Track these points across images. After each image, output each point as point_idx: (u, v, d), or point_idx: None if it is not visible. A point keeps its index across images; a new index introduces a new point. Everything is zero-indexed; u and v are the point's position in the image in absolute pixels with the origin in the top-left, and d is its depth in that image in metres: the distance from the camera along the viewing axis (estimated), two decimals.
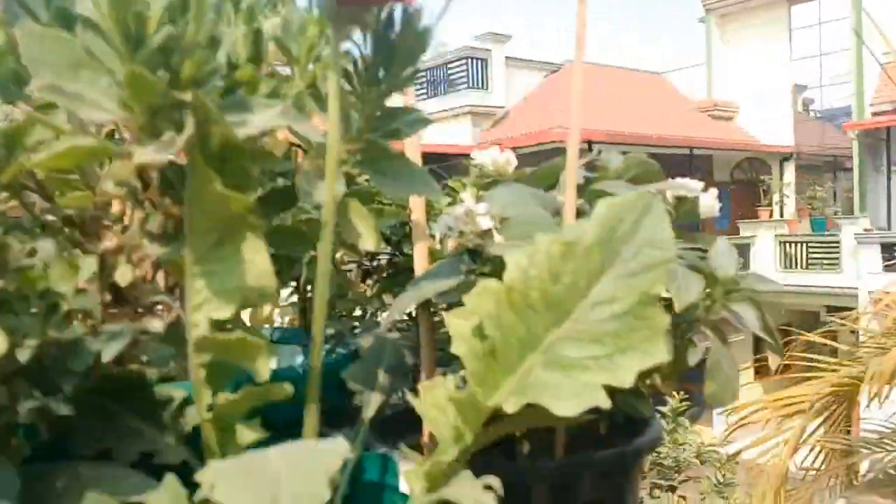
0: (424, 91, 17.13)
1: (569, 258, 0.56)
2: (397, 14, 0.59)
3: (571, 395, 0.54)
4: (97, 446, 0.62)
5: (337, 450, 0.47)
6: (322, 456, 0.46)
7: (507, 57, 16.86)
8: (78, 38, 0.46)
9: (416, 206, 0.79)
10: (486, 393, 0.58)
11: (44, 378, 0.49)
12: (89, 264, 0.48)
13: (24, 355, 0.45)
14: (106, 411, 0.65)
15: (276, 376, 0.65)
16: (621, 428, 0.81)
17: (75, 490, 0.55)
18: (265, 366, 0.55)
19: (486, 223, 0.68)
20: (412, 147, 0.77)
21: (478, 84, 16.56)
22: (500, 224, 0.71)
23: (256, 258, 0.52)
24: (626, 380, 0.54)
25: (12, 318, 0.45)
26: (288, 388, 0.57)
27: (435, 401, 0.58)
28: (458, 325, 0.59)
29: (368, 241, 0.67)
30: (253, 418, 0.63)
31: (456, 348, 0.59)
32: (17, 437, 0.52)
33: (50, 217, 0.57)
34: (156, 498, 0.53)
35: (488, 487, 0.57)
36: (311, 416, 0.61)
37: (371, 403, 0.79)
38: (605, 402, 0.53)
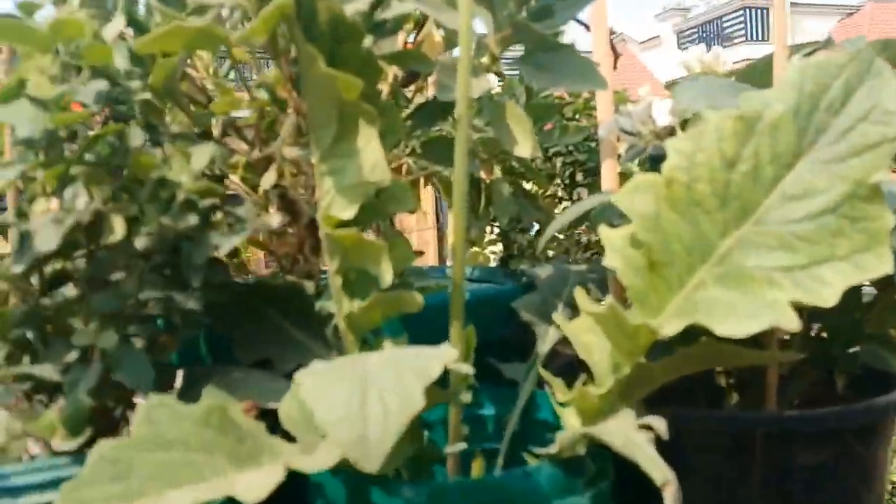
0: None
1: (748, 137, 0.43)
2: None
3: (747, 314, 0.42)
4: (259, 355, 0.63)
5: (439, 356, 0.41)
6: (422, 361, 0.40)
7: (792, 3, 15.12)
8: None
9: (604, 108, 0.68)
10: (647, 314, 0.48)
11: (175, 273, 0.49)
12: (202, 153, 0.47)
13: (140, 242, 0.45)
14: (269, 321, 0.66)
15: (427, 297, 0.61)
16: (866, 386, 0.64)
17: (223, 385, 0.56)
18: (388, 270, 0.50)
19: (663, 119, 0.56)
20: (599, 32, 0.67)
21: (757, 36, 15.10)
22: (684, 125, 0.58)
23: (368, 149, 0.48)
24: (828, 298, 0.41)
25: (129, 205, 0.45)
26: (418, 298, 0.52)
27: (586, 323, 0.49)
28: (610, 234, 0.49)
29: (525, 146, 0.59)
30: (399, 333, 0.59)
31: (610, 260, 0.49)
32: (169, 336, 0.54)
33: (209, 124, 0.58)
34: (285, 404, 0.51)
35: (646, 427, 0.47)
36: (456, 332, 0.55)
37: (547, 337, 0.71)
38: (791, 323, 0.40)
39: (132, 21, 0.57)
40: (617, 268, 0.49)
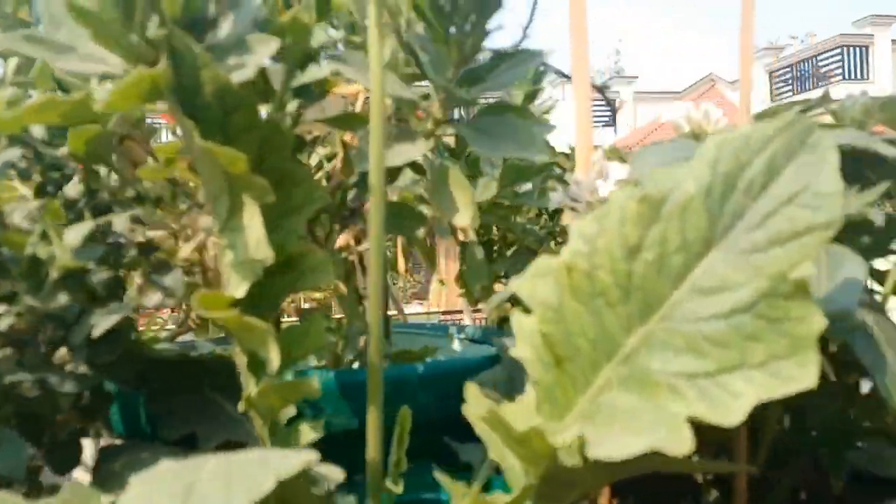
0: (789, 88, 15.53)
1: (653, 222, 0.37)
2: None
3: (645, 427, 0.35)
4: (186, 430, 0.59)
5: (276, 467, 0.36)
6: (256, 472, 0.36)
7: (893, 40, 14.44)
8: None
9: (580, 167, 0.62)
10: (555, 414, 0.42)
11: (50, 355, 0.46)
12: (77, 230, 0.45)
13: (4, 322, 0.43)
14: (201, 395, 0.63)
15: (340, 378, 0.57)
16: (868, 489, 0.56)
17: (130, 468, 0.53)
18: (275, 355, 0.46)
19: (605, 189, 0.50)
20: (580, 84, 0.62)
21: (856, 75, 14.46)
22: None
23: (252, 225, 0.44)
24: (735, 413, 0.34)
25: (3, 284, 0.43)
26: (313, 384, 0.48)
27: (481, 414, 0.43)
28: (522, 320, 0.43)
29: (464, 216, 0.54)
30: (316, 417, 0.55)
31: (519, 350, 0.44)
32: (66, 414, 0.52)
33: (128, 192, 0.56)
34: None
35: None
36: (372, 425, 0.51)
37: None
38: (680, 446, 0.33)
39: (61, 86, 0.56)
40: (525, 359, 0.43)
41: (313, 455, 0.39)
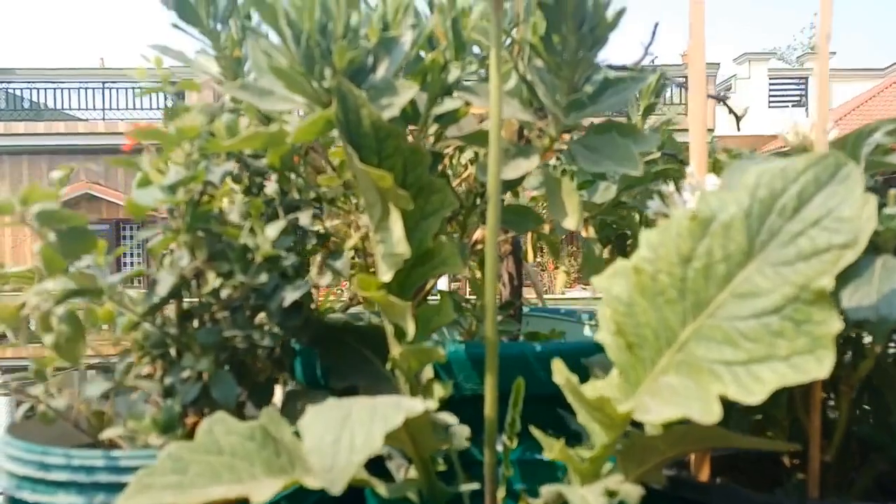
0: None
1: (702, 237, 0.46)
2: None
3: (683, 401, 0.45)
4: (349, 383, 0.75)
5: (404, 406, 0.49)
6: (389, 410, 0.49)
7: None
8: (261, 43, 0.58)
9: (698, 171, 0.70)
10: (629, 388, 0.52)
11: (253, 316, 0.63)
12: (273, 228, 0.60)
13: (224, 293, 0.60)
14: (359, 355, 0.78)
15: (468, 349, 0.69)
16: None
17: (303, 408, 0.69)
18: (412, 327, 0.59)
19: (694, 202, 0.58)
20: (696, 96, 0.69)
21: None
22: None
23: (395, 228, 0.57)
24: (757, 395, 0.42)
25: (222, 264, 0.60)
26: (440, 352, 0.61)
27: (562, 383, 0.54)
28: (603, 311, 0.53)
29: (571, 220, 0.65)
30: (448, 380, 0.68)
31: (601, 336, 0.54)
32: (264, 363, 0.68)
33: (311, 194, 0.72)
34: None
35: (611, 494, 0.51)
36: (490, 389, 0.63)
37: None
38: (707, 416, 0.42)
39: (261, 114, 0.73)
40: (605, 343, 0.53)
41: (433, 404, 0.52)
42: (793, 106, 14.10)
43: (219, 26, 0.74)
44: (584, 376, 0.78)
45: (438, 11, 0.63)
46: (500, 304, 0.88)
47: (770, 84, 14.32)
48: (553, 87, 0.62)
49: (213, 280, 0.59)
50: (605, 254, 0.95)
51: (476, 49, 0.70)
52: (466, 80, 0.65)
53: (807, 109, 14.01)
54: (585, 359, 0.78)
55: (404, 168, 0.60)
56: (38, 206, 0.54)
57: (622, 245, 0.86)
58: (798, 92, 14.34)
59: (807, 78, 14.41)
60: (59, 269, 0.56)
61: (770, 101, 14.23)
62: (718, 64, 13.54)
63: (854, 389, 0.57)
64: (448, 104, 0.63)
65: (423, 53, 0.67)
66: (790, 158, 0.45)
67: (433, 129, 0.66)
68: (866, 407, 0.62)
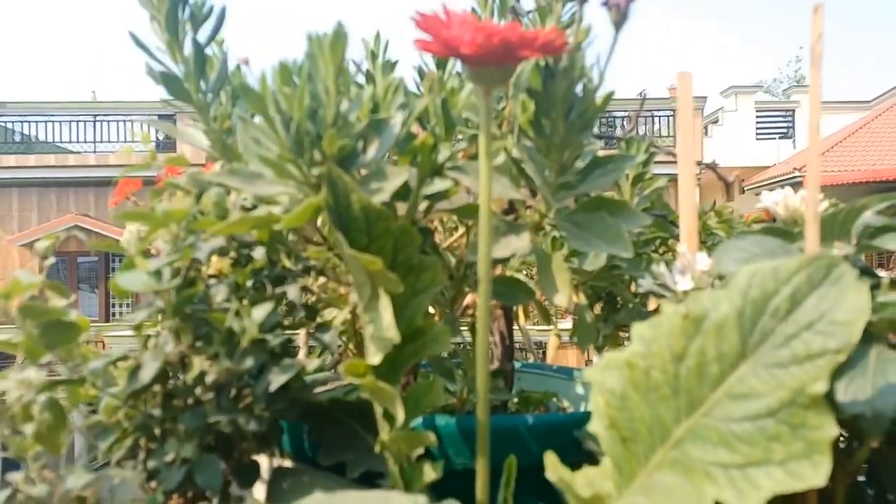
0: None
1: (693, 335, 0.45)
2: (551, 63, 0.56)
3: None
4: (337, 458, 0.74)
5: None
6: None
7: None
8: (250, 129, 0.57)
9: (688, 247, 0.70)
10: (622, 482, 0.51)
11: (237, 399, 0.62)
12: (261, 310, 0.59)
13: (209, 378, 0.58)
14: (349, 429, 0.77)
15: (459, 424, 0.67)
16: None
17: (294, 489, 0.68)
18: (401, 412, 0.58)
19: (684, 284, 0.58)
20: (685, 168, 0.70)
21: None
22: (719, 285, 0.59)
23: (385, 312, 0.56)
24: (750, 502, 0.41)
25: (207, 349, 0.59)
26: (431, 437, 0.60)
27: (555, 479, 0.53)
28: (596, 400, 0.53)
29: (562, 296, 0.64)
30: (440, 455, 0.67)
31: (594, 426, 0.53)
32: (249, 443, 0.67)
33: (297, 266, 0.71)
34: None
35: None
36: (481, 472, 0.62)
37: None
38: None
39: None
40: (598, 434, 0.52)
41: (423, 499, 0.50)
42: (780, 138, 14.27)
43: (209, 97, 0.74)
44: (577, 447, 0.77)
45: (427, 91, 0.63)
46: (492, 370, 0.87)
47: (757, 116, 14.50)
48: (542, 165, 0.62)
49: (198, 365, 0.58)
50: (597, 309, 0.95)
51: (466, 116, 0.70)
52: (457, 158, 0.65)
53: (793, 141, 14.17)
54: (578, 431, 0.78)
55: (394, 248, 0.60)
56: (19, 300, 0.53)
57: (612, 303, 0.86)
58: (785, 124, 14.53)
59: (793, 110, 14.60)
60: (41, 359, 0.55)
61: (757, 134, 14.39)
62: (706, 97, 13.71)
63: (851, 476, 0.56)
64: (438, 185, 0.62)
65: (413, 128, 0.67)
66: (781, 261, 0.44)
67: (423, 205, 0.65)
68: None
